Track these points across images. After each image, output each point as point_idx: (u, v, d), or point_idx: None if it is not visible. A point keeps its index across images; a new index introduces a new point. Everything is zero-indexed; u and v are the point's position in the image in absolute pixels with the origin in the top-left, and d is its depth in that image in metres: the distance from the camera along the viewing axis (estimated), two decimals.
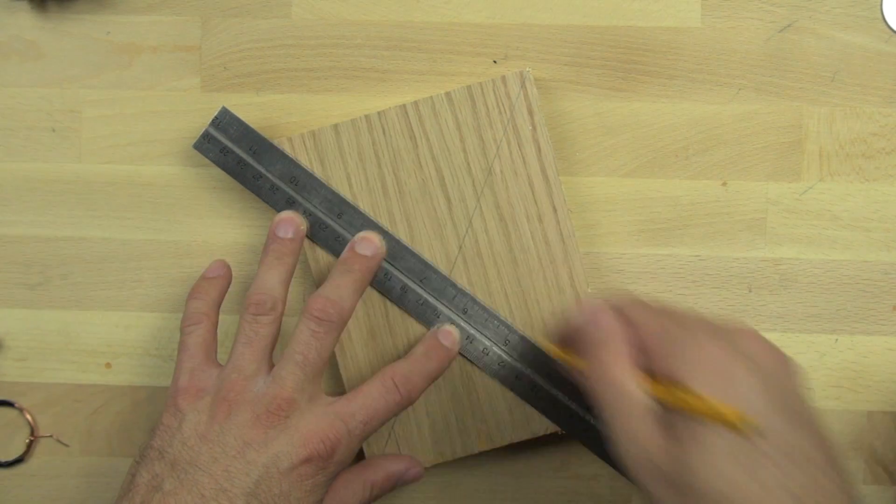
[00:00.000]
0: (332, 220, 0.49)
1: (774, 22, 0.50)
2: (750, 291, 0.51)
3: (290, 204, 0.49)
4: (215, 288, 0.48)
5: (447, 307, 0.49)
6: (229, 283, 0.49)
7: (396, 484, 0.48)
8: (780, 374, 0.36)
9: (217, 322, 0.47)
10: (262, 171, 0.49)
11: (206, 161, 0.51)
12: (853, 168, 0.50)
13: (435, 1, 0.51)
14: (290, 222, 0.48)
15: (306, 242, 0.49)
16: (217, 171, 0.51)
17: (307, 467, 0.42)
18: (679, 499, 0.34)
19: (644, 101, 0.51)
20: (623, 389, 0.37)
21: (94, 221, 0.52)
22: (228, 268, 0.49)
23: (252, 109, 0.51)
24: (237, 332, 0.45)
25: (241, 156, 0.49)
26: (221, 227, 0.51)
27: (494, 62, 0.51)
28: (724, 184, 0.51)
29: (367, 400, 0.44)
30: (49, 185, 0.52)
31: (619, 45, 0.51)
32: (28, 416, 0.52)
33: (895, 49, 0.50)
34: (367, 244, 0.48)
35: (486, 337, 0.49)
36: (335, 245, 0.49)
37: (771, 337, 0.50)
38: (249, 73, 0.51)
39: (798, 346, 0.51)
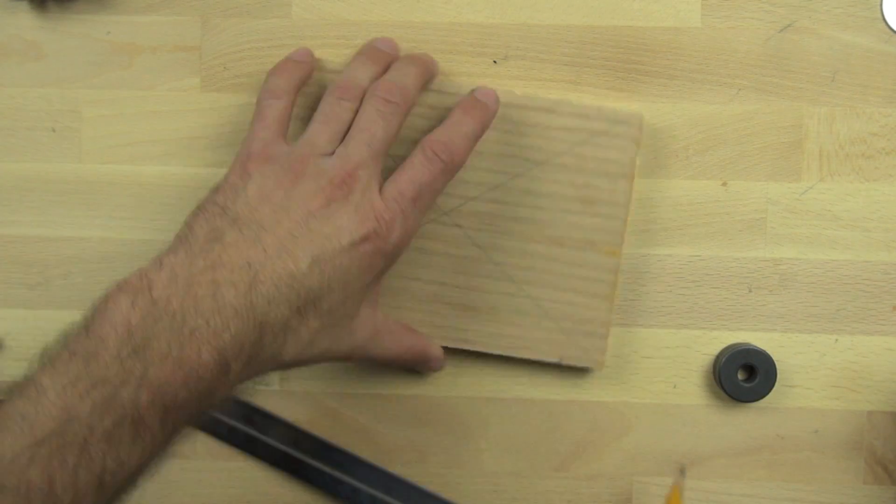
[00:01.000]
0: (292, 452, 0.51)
1: (774, 22, 0.50)
2: (750, 291, 0.51)
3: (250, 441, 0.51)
4: (300, 71, 0.48)
5: None
6: (311, 74, 0.48)
7: (419, 364, 0.49)
8: None
9: (294, 103, 0.47)
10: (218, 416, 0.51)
11: (206, 161, 0.51)
12: (853, 168, 0.50)
13: (435, 1, 0.51)
14: (390, 42, 0.49)
15: None
16: (218, 171, 0.51)
17: (366, 245, 0.42)
18: None
19: (644, 101, 0.51)
20: None
21: (94, 221, 0.52)
22: (314, 58, 0.49)
23: (252, 109, 0.51)
24: (316, 112, 0.45)
25: None
26: None
27: (494, 62, 0.51)
28: (724, 184, 0.51)
29: (412, 174, 0.44)
30: (49, 185, 0.52)
31: (619, 45, 0.51)
32: None
33: (895, 49, 0.50)
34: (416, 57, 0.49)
35: None
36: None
37: (771, 337, 0.51)
38: (249, 73, 0.51)
39: (798, 346, 0.51)
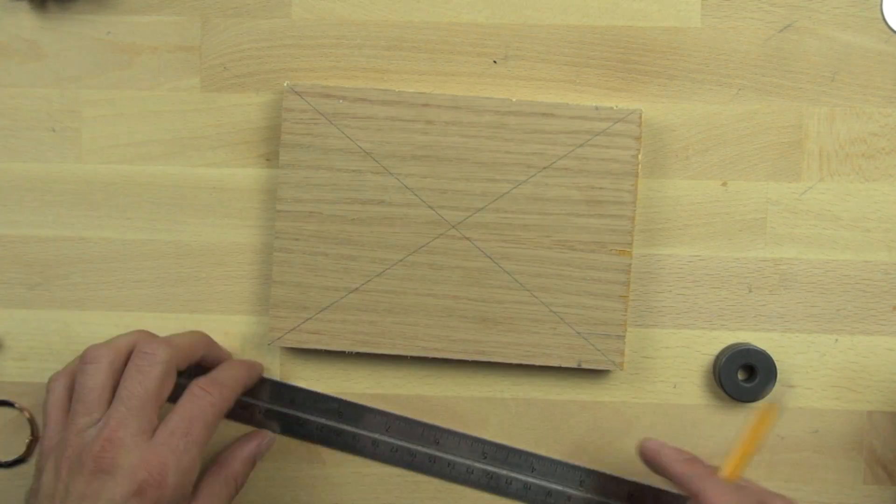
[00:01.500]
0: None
1: (774, 22, 0.50)
2: (750, 291, 0.51)
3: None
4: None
5: (420, 446, 0.51)
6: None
7: (256, 461, 0.49)
8: None
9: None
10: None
11: (206, 161, 0.51)
12: (853, 168, 0.50)
13: (435, 1, 0.51)
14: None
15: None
16: (218, 171, 0.51)
17: (139, 500, 0.42)
18: None
19: (644, 101, 0.51)
20: None
21: (94, 221, 0.52)
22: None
23: (252, 109, 0.51)
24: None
25: None
26: (221, 228, 0.51)
27: (494, 62, 0.51)
28: (724, 184, 0.51)
29: (180, 412, 0.44)
30: (49, 185, 0.52)
31: (619, 45, 0.51)
32: (28, 416, 0.52)
33: (895, 49, 0.50)
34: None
35: (461, 458, 0.51)
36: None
37: (771, 337, 0.50)
38: (249, 73, 0.51)
39: (798, 346, 0.51)
